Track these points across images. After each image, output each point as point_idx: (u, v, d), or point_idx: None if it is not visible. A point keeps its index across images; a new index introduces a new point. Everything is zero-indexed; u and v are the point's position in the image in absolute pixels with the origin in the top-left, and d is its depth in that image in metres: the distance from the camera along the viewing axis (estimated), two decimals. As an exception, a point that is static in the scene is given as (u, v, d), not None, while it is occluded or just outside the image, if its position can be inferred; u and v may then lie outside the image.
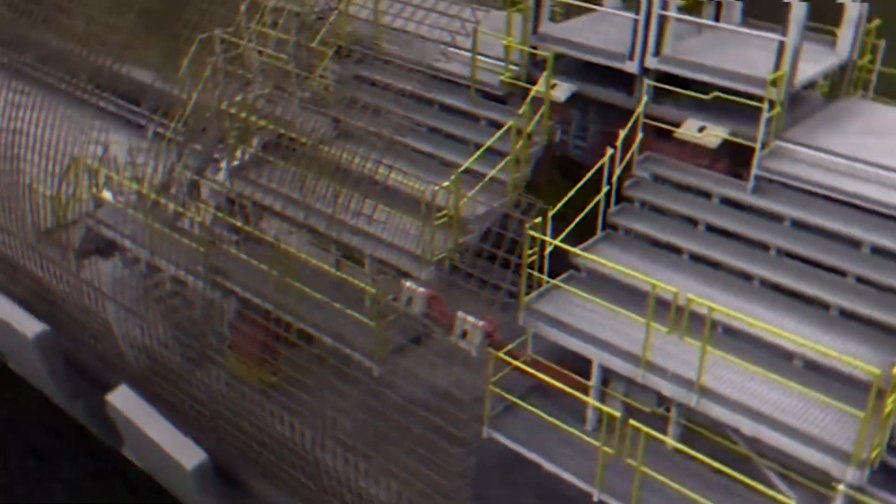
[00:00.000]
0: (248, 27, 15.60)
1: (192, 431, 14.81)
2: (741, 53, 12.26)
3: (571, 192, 11.41)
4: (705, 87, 12.20)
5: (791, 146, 11.59)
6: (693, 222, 11.76)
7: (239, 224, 14.43)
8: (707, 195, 11.86)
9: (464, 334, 11.65)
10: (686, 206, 11.87)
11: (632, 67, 12.68)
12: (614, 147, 13.65)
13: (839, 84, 12.95)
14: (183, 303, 16.19)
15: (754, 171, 11.43)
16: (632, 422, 9.56)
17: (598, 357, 10.55)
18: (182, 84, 15.36)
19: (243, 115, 14.76)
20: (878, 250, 10.63)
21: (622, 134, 11.79)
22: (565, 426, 10.56)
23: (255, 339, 14.62)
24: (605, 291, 11.03)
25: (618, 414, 9.67)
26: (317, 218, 13.20)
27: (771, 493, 9.24)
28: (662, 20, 12.00)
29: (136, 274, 16.93)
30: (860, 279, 10.58)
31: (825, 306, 10.54)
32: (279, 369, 14.39)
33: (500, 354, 10.69)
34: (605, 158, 11.59)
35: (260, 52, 15.49)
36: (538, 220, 10.80)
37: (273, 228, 14.45)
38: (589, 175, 11.56)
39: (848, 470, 8.82)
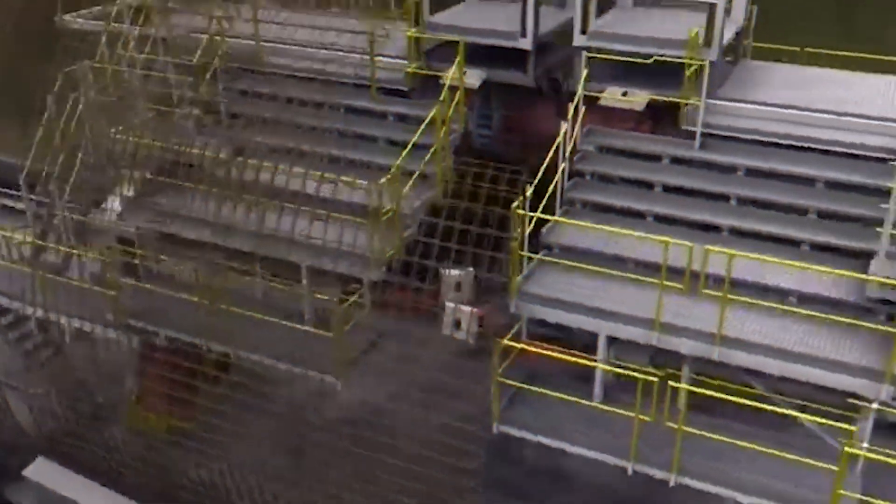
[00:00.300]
0: (117, 54, 13.95)
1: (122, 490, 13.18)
2: (658, 24, 12.25)
3: (539, 174, 10.89)
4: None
5: (724, 103, 11.68)
6: (649, 185, 11.63)
7: (154, 256, 12.84)
8: (656, 157, 11.78)
9: (457, 324, 10.89)
10: (638, 171, 11.72)
11: (525, 44, 12.42)
12: (518, 131, 13.40)
13: (737, 48, 13.25)
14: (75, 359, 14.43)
15: (699, 128, 11.46)
16: (672, 384, 9.19)
17: (605, 329, 10.11)
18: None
19: (133, 142, 13.11)
20: (830, 184, 10.97)
21: (571, 109, 11.41)
22: (596, 404, 10.14)
23: (167, 384, 13.15)
24: (584, 264, 10.62)
25: (655, 379, 9.27)
26: (240, 238, 11.85)
27: (805, 416, 9.28)
28: (586, -2, 11.82)
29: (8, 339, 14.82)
30: (821, 213, 10.86)
31: (796, 243, 10.72)
32: (195, 412, 12.98)
33: (511, 342, 10.02)
34: (561, 136, 11.20)
35: (134, 77, 13.87)
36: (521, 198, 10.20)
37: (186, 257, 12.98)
38: (551, 154, 11.09)
39: (882, 388, 8.95)
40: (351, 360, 11.26)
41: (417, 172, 11.53)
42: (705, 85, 11.25)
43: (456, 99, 12.15)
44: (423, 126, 11.80)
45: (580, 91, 11.64)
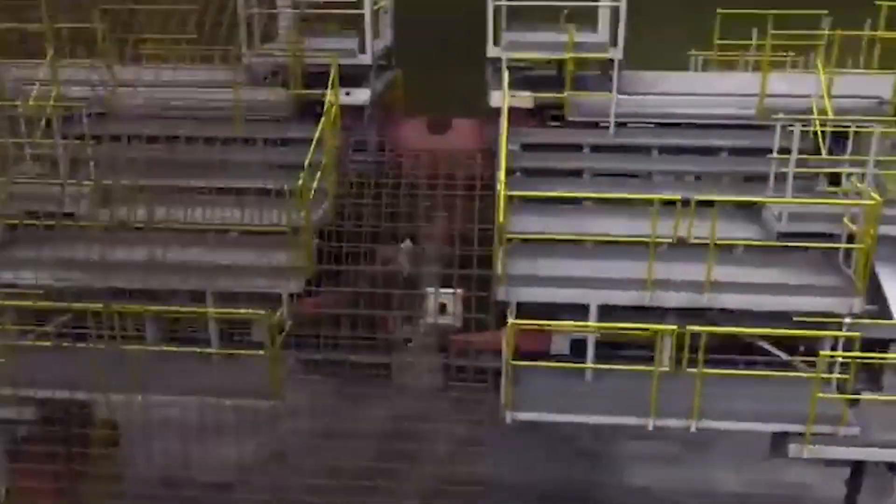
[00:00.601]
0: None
1: None
2: (552, 36, 12.44)
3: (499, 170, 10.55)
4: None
5: (625, 97, 12.15)
6: (577, 173, 11.75)
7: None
8: (577, 147, 11.96)
9: (442, 308, 10.14)
10: (564, 162, 11.84)
11: (366, 59, 12.41)
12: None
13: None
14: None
15: (613, 118, 11.85)
16: (685, 327, 9.19)
17: (596, 298, 9.91)
18: None
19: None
20: (733, 151, 11.79)
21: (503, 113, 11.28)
22: (626, 367, 9.87)
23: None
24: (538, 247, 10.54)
25: (674, 327, 9.19)
26: (127, 275, 10.35)
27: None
28: (496, 10, 11.92)
29: None
30: (730, 175, 11.61)
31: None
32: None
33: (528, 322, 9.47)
34: (504, 139, 11.00)
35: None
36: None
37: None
38: (504, 159, 10.80)
39: (854, 301, 9.59)
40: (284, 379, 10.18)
41: (315, 184, 10.63)
42: (616, 79, 11.73)
43: (333, 115, 11.57)
44: (314, 144, 10.94)
45: (505, 96, 11.55)
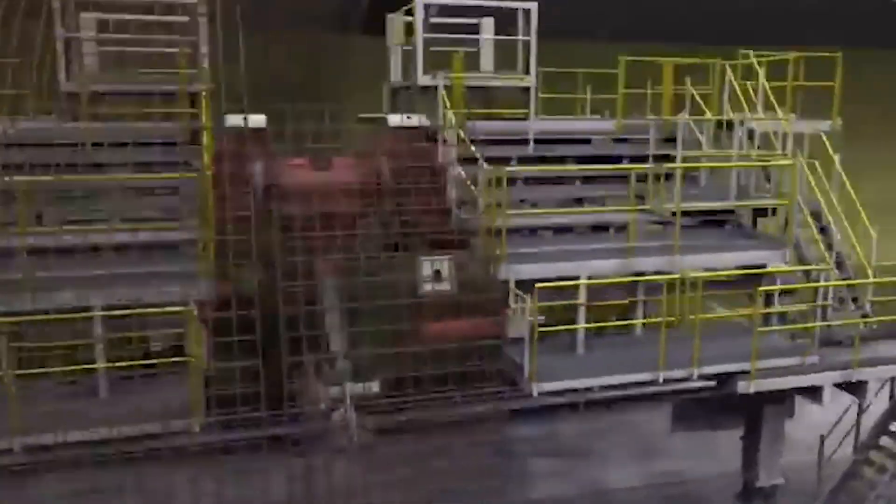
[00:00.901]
0: None
1: None
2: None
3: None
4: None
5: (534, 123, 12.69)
6: (514, 180, 11.87)
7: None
8: (507, 159, 12.08)
9: (437, 274, 9.45)
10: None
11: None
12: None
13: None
14: None
15: (532, 135, 12.30)
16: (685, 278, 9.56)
17: (586, 269, 10.01)
18: None
19: None
20: (633, 159, 12.62)
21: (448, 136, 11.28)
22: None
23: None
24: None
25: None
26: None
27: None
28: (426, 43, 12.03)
29: None
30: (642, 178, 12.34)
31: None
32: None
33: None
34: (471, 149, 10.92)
35: None
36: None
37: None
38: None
39: (786, 251, 10.75)
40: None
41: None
42: (533, 101, 12.38)
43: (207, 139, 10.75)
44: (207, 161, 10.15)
45: (451, 119, 11.50)
